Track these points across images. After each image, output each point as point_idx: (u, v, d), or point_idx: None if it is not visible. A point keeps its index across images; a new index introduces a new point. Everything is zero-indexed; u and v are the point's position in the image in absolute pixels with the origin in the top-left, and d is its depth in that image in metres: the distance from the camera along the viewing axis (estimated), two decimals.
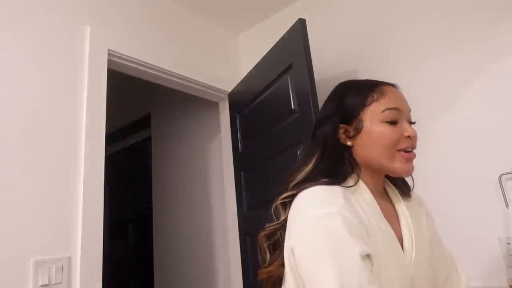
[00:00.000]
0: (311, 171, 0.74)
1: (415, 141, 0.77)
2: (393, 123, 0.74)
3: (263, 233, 0.78)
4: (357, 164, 0.76)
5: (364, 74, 1.65)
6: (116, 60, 1.55)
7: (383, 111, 0.74)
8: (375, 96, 0.76)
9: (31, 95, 1.24)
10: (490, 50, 1.33)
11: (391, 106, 0.74)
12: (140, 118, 2.87)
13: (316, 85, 1.36)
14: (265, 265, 0.77)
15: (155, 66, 1.68)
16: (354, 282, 0.58)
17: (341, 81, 0.87)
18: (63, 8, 1.41)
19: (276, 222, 0.76)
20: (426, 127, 1.45)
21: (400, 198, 0.83)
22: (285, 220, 0.72)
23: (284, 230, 0.72)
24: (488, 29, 1.35)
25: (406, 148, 0.74)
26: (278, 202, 0.75)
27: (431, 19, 1.49)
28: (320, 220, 0.64)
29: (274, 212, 0.77)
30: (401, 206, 0.81)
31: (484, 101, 1.33)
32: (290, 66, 1.46)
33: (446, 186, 1.36)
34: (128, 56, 1.58)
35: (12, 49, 1.24)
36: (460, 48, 1.40)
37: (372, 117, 0.74)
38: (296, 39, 1.42)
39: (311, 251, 0.63)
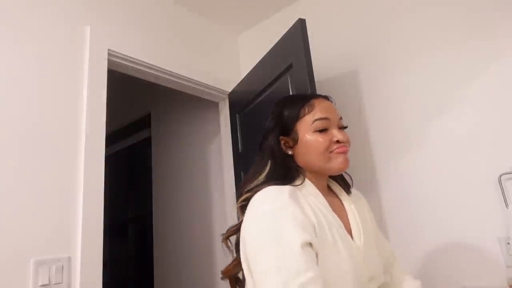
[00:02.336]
0: (265, 178, 0.84)
1: (347, 143, 0.86)
2: (323, 131, 0.84)
3: (224, 236, 0.87)
4: (301, 168, 0.87)
5: (364, 74, 1.65)
6: (116, 60, 1.55)
7: (313, 122, 0.85)
8: (306, 109, 0.86)
9: (31, 95, 1.24)
10: (490, 50, 1.34)
11: (319, 116, 0.85)
12: (140, 118, 2.87)
13: (316, 85, 1.36)
14: (227, 265, 0.86)
15: (155, 66, 1.68)
16: (291, 267, 0.65)
17: (279, 99, 0.97)
18: (63, 8, 1.41)
19: (235, 224, 0.85)
20: (425, 127, 1.45)
21: (345, 193, 0.94)
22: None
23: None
24: (488, 29, 1.35)
25: (337, 150, 0.85)
26: (238, 205, 0.84)
27: (431, 19, 1.49)
28: (265, 214, 0.73)
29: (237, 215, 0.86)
30: (347, 200, 0.92)
31: (484, 101, 1.33)
32: (290, 66, 1.46)
33: (446, 186, 1.36)
34: (128, 56, 1.58)
35: (12, 49, 1.23)
36: (460, 47, 1.40)
37: (305, 128, 0.85)
38: (296, 39, 1.42)
39: (256, 239, 0.72)
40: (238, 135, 1.90)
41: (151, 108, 2.78)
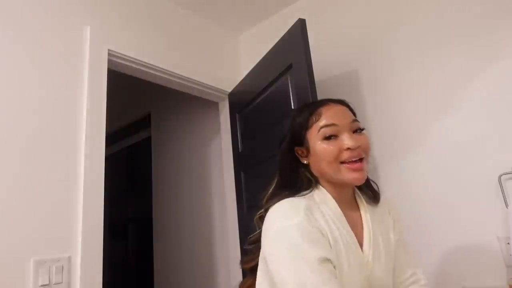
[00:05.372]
0: (274, 188, 0.89)
1: (362, 150, 0.82)
2: (331, 138, 0.82)
3: (250, 240, 0.93)
4: (313, 176, 0.88)
5: (364, 74, 1.65)
6: (116, 60, 1.55)
7: (319, 131, 0.83)
8: (314, 118, 0.85)
9: (31, 95, 1.24)
10: (490, 50, 1.33)
11: (325, 124, 0.83)
12: (140, 118, 2.87)
13: (316, 85, 1.36)
14: (247, 258, 0.93)
15: (155, 66, 1.68)
16: (309, 283, 0.67)
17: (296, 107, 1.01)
18: (63, 8, 1.41)
19: (257, 232, 0.87)
20: (426, 127, 1.45)
21: (366, 206, 0.90)
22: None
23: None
24: (488, 29, 1.35)
25: (349, 159, 0.81)
26: (257, 217, 0.89)
27: (431, 19, 1.49)
28: (281, 232, 0.75)
29: (255, 224, 0.91)
30: (365, 214, 0.88)
31: (484, 101, 1.33)
32: (290, 66, 1.46)
33: (446, 186, 1.36)
34: (128, 56, 1.58)
35: (12, 50, 1.24)
36: (460, 48, 1.40)
37: (314, 138, 0.84)
38: (296, 39, 1.42)
39: (276, 258, 0.74)
40: (238, 135, 1.90)
41: (151, 108, 2.78)
